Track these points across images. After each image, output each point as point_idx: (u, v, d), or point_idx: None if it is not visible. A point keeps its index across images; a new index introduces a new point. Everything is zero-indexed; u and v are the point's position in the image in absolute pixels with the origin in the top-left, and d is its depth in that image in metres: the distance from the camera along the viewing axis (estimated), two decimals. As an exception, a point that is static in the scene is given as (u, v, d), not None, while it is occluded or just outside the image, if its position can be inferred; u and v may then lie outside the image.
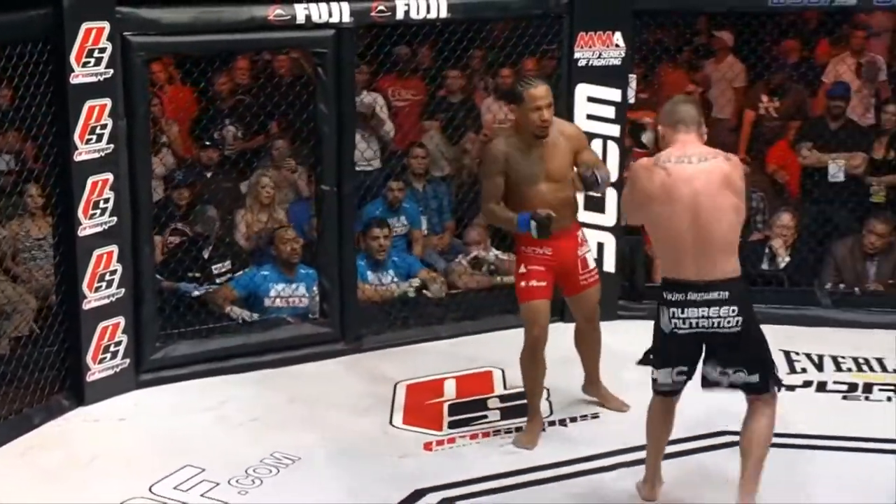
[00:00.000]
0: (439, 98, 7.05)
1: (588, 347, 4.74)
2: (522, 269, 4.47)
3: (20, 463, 4.38)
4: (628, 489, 4.07)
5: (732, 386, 3.80)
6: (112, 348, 4.86)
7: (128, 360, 4.93)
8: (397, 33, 5.66)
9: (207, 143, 6.63)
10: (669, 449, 4.11)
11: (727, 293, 3.68)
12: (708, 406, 4.24)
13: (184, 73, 7.00)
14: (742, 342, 3.73)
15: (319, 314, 5.41)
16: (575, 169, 4.42)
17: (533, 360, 4.47)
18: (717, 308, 3.68)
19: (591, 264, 4.63)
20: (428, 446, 4.48)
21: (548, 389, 4.88)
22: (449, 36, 5.88)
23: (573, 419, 4.66)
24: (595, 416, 4.68)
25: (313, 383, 5.10)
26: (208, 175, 6.50)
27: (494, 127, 5.49)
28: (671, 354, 3.81)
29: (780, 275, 6.13)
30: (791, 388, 4.85)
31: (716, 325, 3.70)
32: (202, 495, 4.13)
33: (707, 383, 3.83)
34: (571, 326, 5.55)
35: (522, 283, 4.46)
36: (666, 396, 3.88)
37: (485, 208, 4.56)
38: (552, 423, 4.63)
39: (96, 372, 4.82)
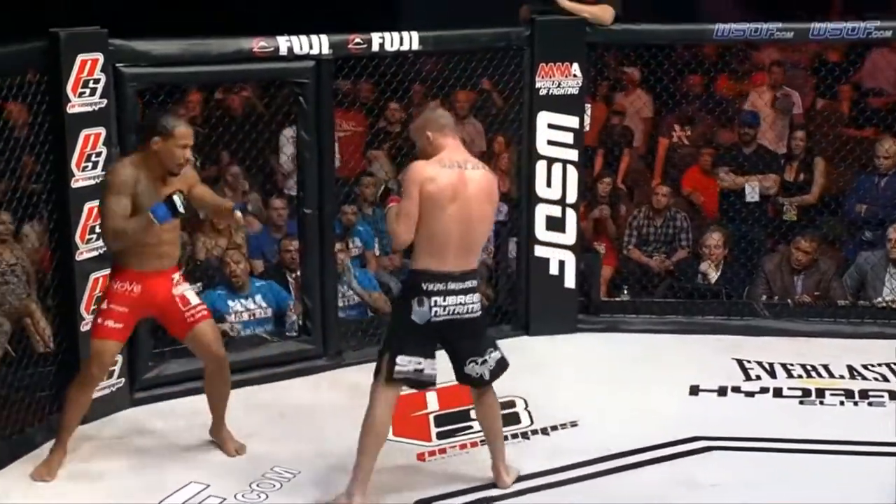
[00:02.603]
0: (378, 129, 7.15)
1: (216, 390, 4.46)
2: (105, 305, 4.21)
3: (24, 483, 4.26)
4: (619, 494, 4.15)
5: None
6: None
7: (122, 380, 4.85)
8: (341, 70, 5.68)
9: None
10: (652, 455, 4.25)
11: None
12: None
13: (144, 103, 6.94)
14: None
15: (301, 331, 5.40)
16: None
17: (84, 393, 4.27)
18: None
19: (194, 300, 4.33)
20: (421, 457, 4.51)
21: (525, 400, 4.99)
22: (385, 70, 5.94)
23: (554, 427, 4.73)
24: (574, 425, 4.74)
25: (301, 398, 5.08)
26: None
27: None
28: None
29: (715, 288, 6.35)
30: (750, 394, 5.03)
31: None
32: (212, 510, 4.11)
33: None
34: (537, 339, 5.74)
35: (100, 320, 4.20)
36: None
37: (114, 227, 4.08)
38: (535, 432, 4.70)
39: (93, 392, 4.73)
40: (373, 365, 5.30)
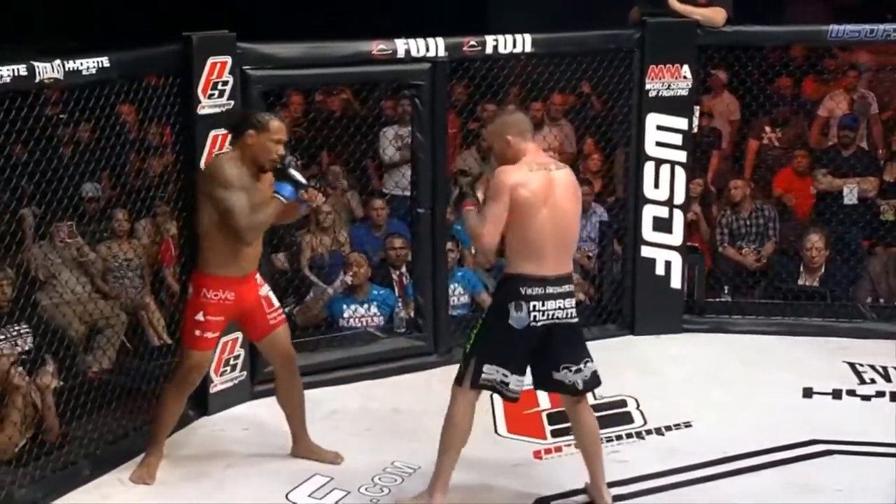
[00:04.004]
0: (467, 130, 7.09)
1: (291, 400, 4.33)
2: (201, 317, 4.06)
3: (159, 470, 4.31)
4: (740, 496, 4.07)
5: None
6: (231, 361, 4.82)
7: (244, 373, 4.90)
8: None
9: None
10: (770, 458, 4.16)
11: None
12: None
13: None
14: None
15: (413, 328, 5.41)
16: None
17: (181, 400, 4.23)
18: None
19: (276, 302, 4.26)
20: (537, 454, 4.48)
21: (636, 399, 4.94)
22: (474, 73, 5.82)
23: (668, 428, 4.66)
24: (688, 425, 4.67)
25: (413, 394, 5.08)
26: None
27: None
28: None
29: (818, 290, 6.22)
30: (867, 398, 4.91)
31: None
32: (337, 502, 4.11)
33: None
34: (643, 339, 5.68)
35: (198, 332, 4.08)
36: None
37: (249, 224, 3.97)
38: (649, 432, 4.64)
39: (218, 384, 4.79)
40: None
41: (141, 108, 4.49)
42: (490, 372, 3.79)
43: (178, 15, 5.36)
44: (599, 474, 4.00)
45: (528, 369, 3.91)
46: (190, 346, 4.14)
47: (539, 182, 3.76)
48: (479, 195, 4.12)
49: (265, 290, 4.23)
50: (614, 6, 5.99)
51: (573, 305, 3.81)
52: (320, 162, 6.89)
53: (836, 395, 4.96)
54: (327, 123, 6.33)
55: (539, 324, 3.74)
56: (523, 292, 3.72)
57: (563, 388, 3.91)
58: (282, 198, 4.01)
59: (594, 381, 3.92)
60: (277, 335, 4.24)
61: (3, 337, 4.63)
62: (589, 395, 4.91)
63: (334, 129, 6.10)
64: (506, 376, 3.78)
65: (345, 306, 5.69)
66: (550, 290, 3.74)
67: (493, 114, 3.98)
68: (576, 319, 3.84)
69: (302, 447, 4.38)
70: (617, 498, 4.11)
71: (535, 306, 3.72)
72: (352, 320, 5.66)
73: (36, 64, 3.87)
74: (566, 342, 3.83)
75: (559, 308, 3.76)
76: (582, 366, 3.85)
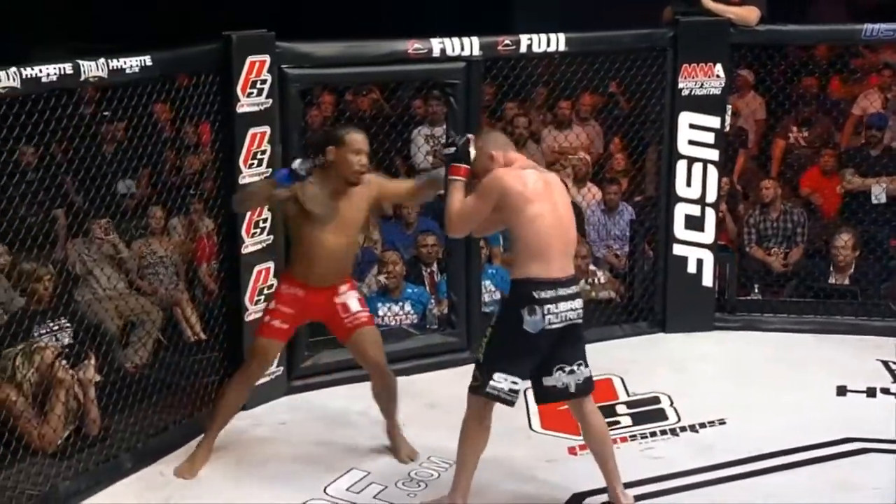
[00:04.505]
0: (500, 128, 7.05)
1: (379, 399, 4.35)
2: (273, 305, 4.19)
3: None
4: (777, 494, 4.05)
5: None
6: (269, 357, 4.85)
7: (281, 368, 4.92)
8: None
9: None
10: (806, 455, 4.14)
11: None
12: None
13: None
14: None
15: (447, 325, 5.41)
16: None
17: (242, 392, 4.27)
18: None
19: (357, 306, 4.23)
20: (572, 451, 4.46)
21: (670, 396, 4.93)
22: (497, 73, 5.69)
23: (702, 425, 4.64)
24: (722, 422, 4.64)
25: (447, 390, 5.04)
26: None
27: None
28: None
29: (848, 289, 6.17)
30: (901, 396, 4.90)
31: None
32: (375, 497, 4.12)
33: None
34: (674, 336, 5.67)
35: (267, 318, 4.18)
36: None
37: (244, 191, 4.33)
38: (683, 429, 4.62)
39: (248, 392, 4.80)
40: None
41: (182, 105, 4.49)
42: (499, 381, 3.71)
43: (213, 14, 5.35)
44: (614, 476, 3.92)
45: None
46: (258, 332, 4.24)
47: (536, 181, 3.72)
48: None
49: (343, 297, 4.20)
50: (639, 6, 5.98)
51: (581, 306, 3.77)
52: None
53: (871, 393, 4.92)
54: (357, 122, 6.36)
55: (553, 326, 3.68)
56: (536, 296, 3.65)
57: (555, 394, 3.81)
58: (274, 178, 4.08)
59: (587, 386, 3.83)
60: (357, 338, 4.24)
61: (44, 331, 4.65)
62: (622, 392, 5.05)
63: (366, 128, 6.09)
64: (514, 384, 3.72)
65: (380, 304, 5.70)
66: (562, 291, 3.68)
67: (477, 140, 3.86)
68: (581, 320, 3.78)
69: (389, 434, 4.44)
70: (654, 494, 4.10)
71: (548, 309, 3.66)
72: (386, 318, 5.67)
73: (81, 62, 3.90)
74: (569, 343, 3.76)
75: (570, 309, 3.71)
76: (575, 367, 3.77)
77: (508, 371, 3.72)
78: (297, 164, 4.00)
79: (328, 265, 4.11)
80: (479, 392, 3.78)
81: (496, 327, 3.78)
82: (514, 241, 3.78)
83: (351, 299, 4.24)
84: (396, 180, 4.47)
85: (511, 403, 3.78)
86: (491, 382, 3.73)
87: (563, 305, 3.69)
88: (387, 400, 4.38)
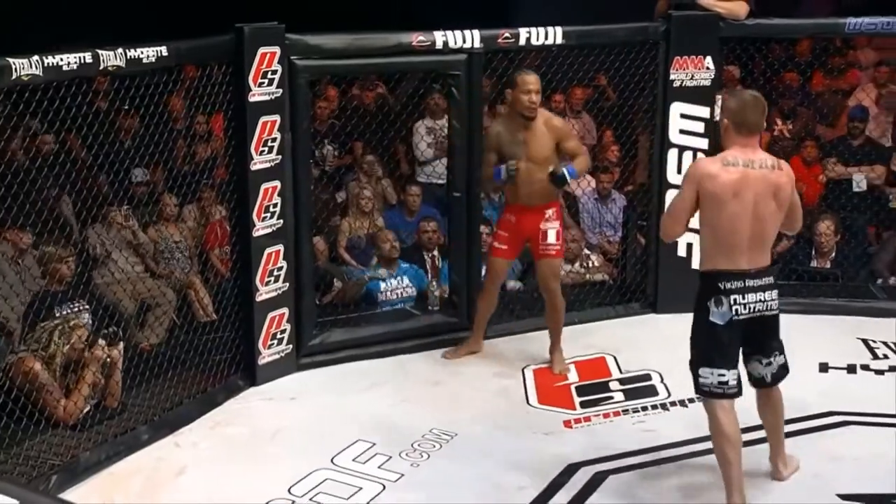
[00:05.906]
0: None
1: (549, 324, 5.06)
2: (496, 230, 5.04)
3: (212, 436, 4.45)
4: (764, 463, 4.10)
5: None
6: (279, 335, 4.93)
7: (291, 346, 5.00)
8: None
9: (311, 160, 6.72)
10: (790, 428, 4.20)
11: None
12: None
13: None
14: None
15: (448, 305, 5.50)
16: (550, 168, 4.80)
17: (484, 301, 5.12)
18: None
19: (552, 239, 4.91)
20: (567, 424, 4.55)
21: (660, 373, 5.02)
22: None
23: (691, 400, 4.71)
24: (711, 397, 4.74)
25: (449, 367, 5.17)
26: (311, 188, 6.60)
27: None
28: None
29: (830, 271, 6.26)
30: (880, 372, 4.96)
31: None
32: (379, 467, 4.20)
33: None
34: (664, 317, 5.75)
35: (495, 243, 5.01)
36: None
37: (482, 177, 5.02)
38: (673, 404, 4.71)
39: (266, 356, 4.90)
40: (513, 338, 5.51)
41: (196, 95, 4.57)
42: (706, 375, 3.70)
43: (223, 6, 5.42)
44: (779, 449, 3.97)
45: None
46: (488, 253, 5.12)
47: (729, 176, 3.61)
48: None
49: (546, 224, 4.90)
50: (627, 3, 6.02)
51: (775, 297, 3.68)
52: (352, 150, 7.00)
53: (851, 369, 5.01)
54: (362, 114, 6.43)
55: (742, 317, 3.63)
56: (722, 287, 3.62)
57: (753, 383, 3.84)
58: (493, 175, 4.91)
59: (781, 373, 3.84)
60: (541, 265, 4.96)
61: (66, 311, 4.73)
62: (615, 369, 5.14)
63: (369, 120, 6.19)
64: (722, 375, 3.68)
65: (382, 284, 5.80)
66: (750, 283, 3.62)
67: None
68: (777, 311, 3.72)
69: (550, 351, 5.12)
70: (646, 464, 4.20)
71: (735, 300, 3.62)
72: (388, 293, 5.78)
73: (100, 51, 3.97)
74: (763, 334, 3.74)
75: (759, 301, 3.65)
76: (772, 359, 3.78)
77: (713, 365, 3.68)
78: (503, 169, 4.80)
79: (529, 188, 4.81)
80: (696, 391, 3.80)
81: (693, 326, 3.77)
82: (701, 232, 3.72)
83: (551, 230, 4.91)
84: (575, 145, 4.98)
85: (732, 396, 3.71)
86: (700, 380, 3.72)
87: (750, 297, 3.63)
88: (554, 328, 5.05)
